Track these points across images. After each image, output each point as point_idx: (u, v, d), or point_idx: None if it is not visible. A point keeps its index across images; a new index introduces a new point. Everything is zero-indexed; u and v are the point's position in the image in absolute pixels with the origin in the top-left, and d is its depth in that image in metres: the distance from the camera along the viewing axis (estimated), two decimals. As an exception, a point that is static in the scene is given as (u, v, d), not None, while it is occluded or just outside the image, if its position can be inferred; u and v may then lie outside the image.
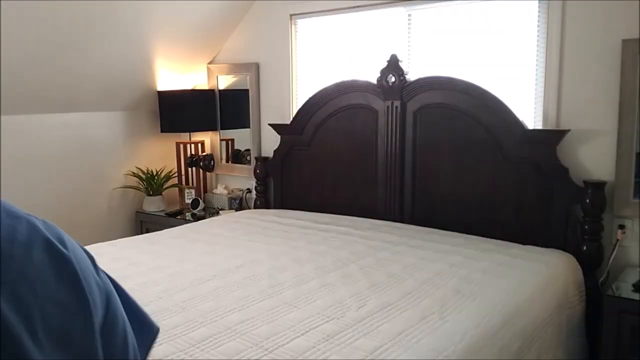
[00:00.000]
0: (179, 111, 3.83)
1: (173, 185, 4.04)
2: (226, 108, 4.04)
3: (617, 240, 2.52)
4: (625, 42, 2.44)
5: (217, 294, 1.96)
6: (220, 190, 4.04)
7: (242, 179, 4.00)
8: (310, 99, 3.40)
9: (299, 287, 2.02)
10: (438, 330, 1.66)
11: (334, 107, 3.31)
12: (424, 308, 1.82)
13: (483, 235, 2.71)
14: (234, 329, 1.66)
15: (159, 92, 3.87)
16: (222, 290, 1.99)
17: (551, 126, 2.67)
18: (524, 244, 2.59)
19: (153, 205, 3.91)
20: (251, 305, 1.84)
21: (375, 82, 3.09)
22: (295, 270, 2.22)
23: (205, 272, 2.21)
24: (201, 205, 3.89)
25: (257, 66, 3.80)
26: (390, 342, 1.57)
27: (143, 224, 3.92)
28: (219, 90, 4.02)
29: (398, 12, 3.17)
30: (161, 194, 3.95)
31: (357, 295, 1.93)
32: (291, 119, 3.57)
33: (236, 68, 3.90)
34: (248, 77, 3.84)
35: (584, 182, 2.50)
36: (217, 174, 4.17)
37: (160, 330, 1.72)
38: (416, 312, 1.79)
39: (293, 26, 3.62)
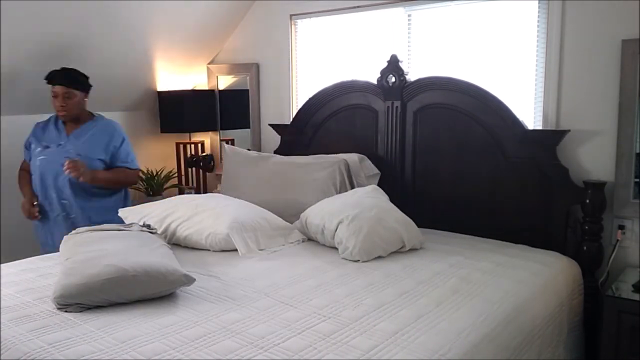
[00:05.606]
0: (179, 111, 3.82)
1: (173, 186, 4.03)
2: (226, 108, 4.04)
3: (617, 240, 2.51)
4: (625, 42, 2.43)
5: (214, 294, 1.95)
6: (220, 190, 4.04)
7: (242, 180, 3.98)
8: (310, 99, 3.39)
9: (295, 287, 2.01)
10: (434, 329, 1.65)
11: (334, 108, 3.30)
12: (420, 307, 1.81)
13: (483, 236, 2.71)
14: (229, 328, 1.64)
15: (159, 92, 3.88)
16: (218, 291, 1.98)
17: (551, 126, 2.67)
18: (524, 244, 2.59)
19: (153, 205, 3.90)
20: (247, 305, 1.83)
21: (375, 82, 3.09)
22: (291, 269, 2.21)
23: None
24: (201, 205, 3.88)
25: (257, 66, 3.80)
26: (387, 341, 1.56)
27: (143, 224, 3.91)
28: (219, 91, 4.02)
29: (398, 12, 3.16)
30: (161, 194, 3.94)
31: (353, 294, 1.92)
32: (291, 119, 3.57)
33: (236, 68, 3.90)
34: (248, 77, 3.84)
35: (584, 182, 2.49)
36: (217, 174, 4.17)
37: (152, 329, 1.70)
38: (412, 311, 1.77)
39: (293, 26, 3.62)
